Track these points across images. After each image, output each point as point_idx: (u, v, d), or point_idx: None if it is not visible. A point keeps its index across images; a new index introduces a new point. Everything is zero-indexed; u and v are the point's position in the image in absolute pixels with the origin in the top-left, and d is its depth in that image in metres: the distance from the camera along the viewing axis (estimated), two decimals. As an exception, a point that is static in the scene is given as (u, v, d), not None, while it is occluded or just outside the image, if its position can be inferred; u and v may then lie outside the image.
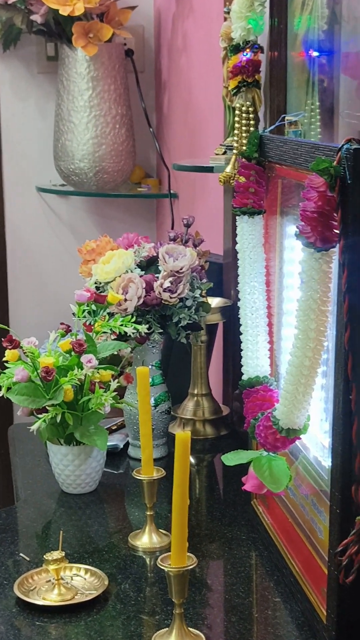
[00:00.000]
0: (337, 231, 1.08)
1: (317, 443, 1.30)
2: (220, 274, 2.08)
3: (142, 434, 1.45)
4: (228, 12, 1.71)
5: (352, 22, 1.44)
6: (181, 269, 1.71)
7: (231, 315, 1.93)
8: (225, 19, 1.80)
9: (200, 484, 1.77)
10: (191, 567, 1.17)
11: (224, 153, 1.86)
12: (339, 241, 1.07)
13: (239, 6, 1.59)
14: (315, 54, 1.58)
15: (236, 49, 1.63)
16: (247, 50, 1.61)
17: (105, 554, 1.47)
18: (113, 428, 1.93)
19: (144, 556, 1.46)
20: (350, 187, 1.05)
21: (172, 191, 2.73)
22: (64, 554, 1.34)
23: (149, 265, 1.76)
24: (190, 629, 1.21)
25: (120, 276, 1.72)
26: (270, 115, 1.67)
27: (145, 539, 1.48)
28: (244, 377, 1.43)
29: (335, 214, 1.08)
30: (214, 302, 1.94)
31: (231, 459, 1.32)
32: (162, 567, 1.17)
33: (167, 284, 1.70)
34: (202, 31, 2.40)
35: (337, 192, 1.06)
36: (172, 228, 2.66)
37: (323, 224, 1.09)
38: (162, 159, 2.81)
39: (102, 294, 1.71)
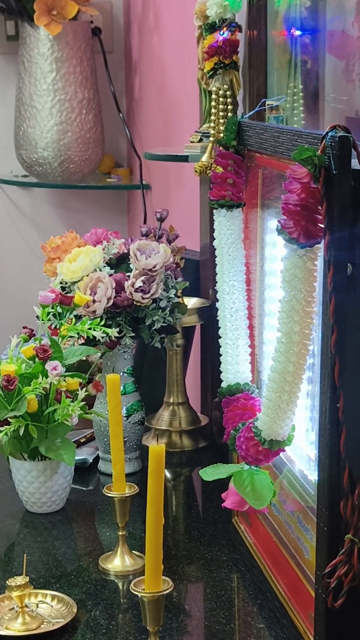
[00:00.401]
0: (322, 226, 1.09)
1: (302, 455, 1.30)
2: (197, 272, 2.09)
3: (113, 447, 1.45)
4: (203, -12, 1.72)
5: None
6: (154, 267, 1.71)
7: (209, 316, 1.94)
8: (200, -5, 1.80)
9: (177, 501, 1.77)
10: (167, 591, 1.17)
11: (200, 140, 1.87)
12: (324, 236, 1.08)
13: (214, -19, 1.59)
14: (297, 32, 1.59)
15: (212, 27, 1.63)
16: (224, 29, 1.61)
17: (73, 578, 1.47)
18: (81, 441, 1.92)
19: (116, 580, 1.46)
20: (336, 178, 1.06)
21: (144, 182, 2.73)
22: (28, 579, 1.34)
23: (119, 263, 1.77)
24: (167, 659, 1.21)
25: (87, 275, 1.72)
26: (250, 99, 1.68)
27: (117, 562, 1.48)
28: (224, 385, 1.44)
29: (319, 207, 1.08)
30: (191, 302, 1.95)
31: (210, 473, 1.33)
32: (136, 592, 1.17)
33: (139, 283, 1.70)
34: (175, 8, 2.41)
35: (321, 183, 1.07)
36: (145, 222, 2.66)
37: (307, 218, 1.10)
38: (133, 147, 2.81)
39: (68, 294, 1.71)
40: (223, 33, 1.61)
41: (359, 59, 1.39)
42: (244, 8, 1.65)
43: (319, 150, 1.07)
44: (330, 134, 1.07)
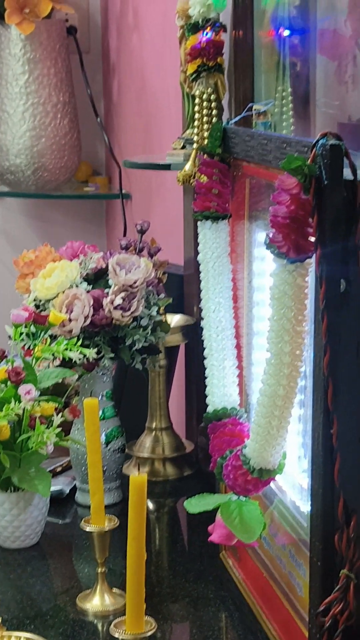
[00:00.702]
0: (313, 239, 1.10)
1: (294, 484, 1.30)
2: (181, 288, 2.09)
3: (91, 477, 1.45)
4: (185, -15, 1.73)
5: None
6: (135, 283, 1.71)
7: (194, 335, 1.94)
8: (182, -7, 1.81)
9: (160, 534, 1.77)
10: (150, 632, 1.17)
11: (183, 147, 1.88)
12: (315, 251, 1.09)
13: (197, -22, 1.60)
14: (286, 33, 1.60)
15: (195, 27, 1.64)
16: (208, 29, 1.62)
17: (49, 619, 1.46)
18: (57, 470, 1.92)
19: (95, 621, 1.46)
20: (327, 189, 1.07)
21: (124, 191, 2.74)
22: (0, 620, 1.33)
23: (97, 278, 1.77)
24: None
25: (63, 292, 1.72)
26: (236, 104, 1.68)
27: (97, 601, 1.47)
28: (210, 409, 1.44)
29: (310, 220, 1.09)
30: (174, 320, 1.95)
31: (195, 505, 1.33)
32: (116, 634, 1.17)
33: (118, 300, 1.70)
34: (156, 6, 2.42)
35: (312, 194, 1.08)
36: (125, 234, 2.67)
37: (297, 231, 1.10)
38: (111, 154, 2.82)
39: (42, 313, 1.71)
40: (207, 33, 1.62)
41: (352, 60, 1.40)
42: (229, 7, 1.66)
43: (309, 160, 1.08)
44: (320, 142, 1.08)
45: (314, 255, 1.10)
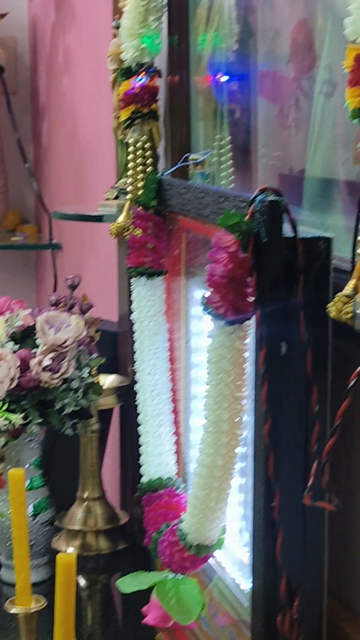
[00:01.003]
0: (252, 299, 1.11)
1: (235, 560, 1.30)
2: (115, 346, 2.09)
3: (16, 553, 1.43)
4: (117, 28, 1.75)
5: (269, 35, 1.49)
6: (65, 343, 1.71)
7: (130, 396, 1.94)
8: (114, 36, 1.84)
9: (92, 614, 1.75)
10: None
11: (117, 197, 1.89)
12: (255, 312, 1.10)
13: (130, 21, 1.62)
14: (224, 78, 1.63)
15: (128, 72, 1.66)
16: (142, 74, 1.64)
17: None
18: (-19, 545, 1.90)
19: None
20: (267, 247, 1.08)
21: (54, 241, 2.74)
22: None
23: (24, 337, 1.76)
24: None
25: (-13, 353, 1.71)
26: (172, 153, 1.71)
27: None
28: (144, 479, 1.44)
29: (249, 279, 1.10)
30: (107, 381, 1.95)
31: (128, 584, 1.32)
32: None
33: (47, 361, 1.70)
34: (88, 46, 2.45)
35: (250, 252, 1.09)
36: (55, 288, 2.67)
37: (235, 291, 1.11)
38: (41, 202, 2.83)
39: (-36, 375, 1.70)
40: (140, 79, 1.64)
41: (294, 103, 1.43)
42: (164, 51, 1.69)
43: (247, 216, 1.09)
44: (259, 197, 1.09)
45: (254, 316, 1.11)
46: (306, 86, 1.39)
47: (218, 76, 1.65)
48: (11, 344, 1.74)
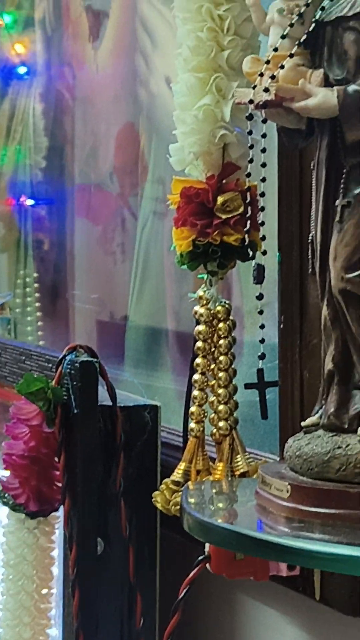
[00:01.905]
0: (60, 485, 1.10)
1: None
2: None
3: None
4: None
5: (88, 143, 1.51)
6: None
7: None
8: None
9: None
10: None
11: None
12: (63, 502, 1.09)
13: None
14: (29, 202, 1.65)
15: None
16: None
17: None
18: None
19: None
20: (78, 419, 1.08)
21: None
22: None
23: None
24: None
25: None
26: (-35, 293, 1.70)
27: None
28: None
29: (56, 460, 1.09)
30: None
31: None
32: None
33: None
34: None
35: (57, 426, 1.08)
36: None
37: (38, 475, 1.10)
38: None
39: None
40: None
41: (120, 223, 1.43)
42: None
43: (54, 381, 1.09)
44: (68, 357, 1.09)
45: (62, 506, 1.09)
46: (133, 204, 1.40)
47: (22, 200, 1.66)
48: None
